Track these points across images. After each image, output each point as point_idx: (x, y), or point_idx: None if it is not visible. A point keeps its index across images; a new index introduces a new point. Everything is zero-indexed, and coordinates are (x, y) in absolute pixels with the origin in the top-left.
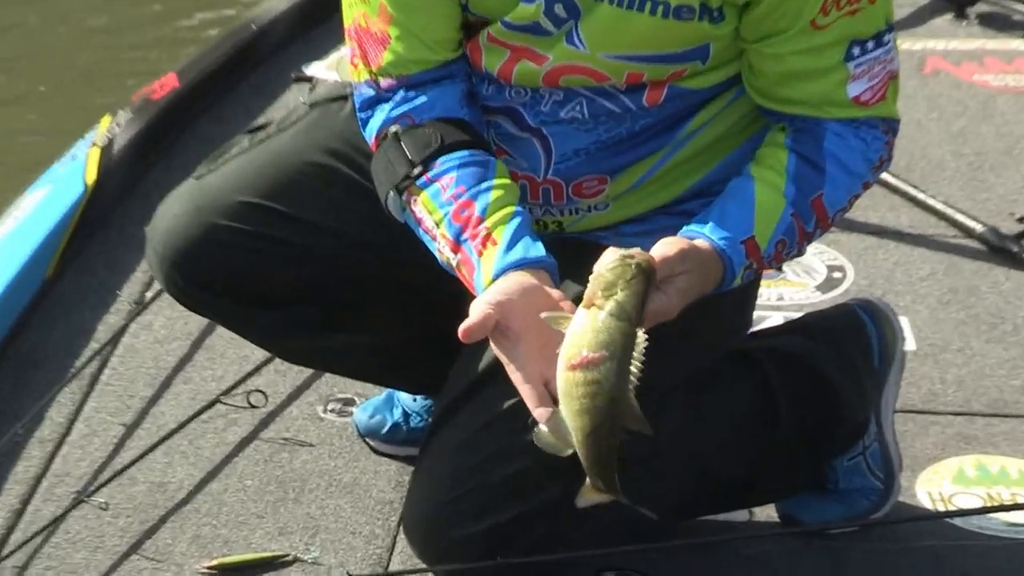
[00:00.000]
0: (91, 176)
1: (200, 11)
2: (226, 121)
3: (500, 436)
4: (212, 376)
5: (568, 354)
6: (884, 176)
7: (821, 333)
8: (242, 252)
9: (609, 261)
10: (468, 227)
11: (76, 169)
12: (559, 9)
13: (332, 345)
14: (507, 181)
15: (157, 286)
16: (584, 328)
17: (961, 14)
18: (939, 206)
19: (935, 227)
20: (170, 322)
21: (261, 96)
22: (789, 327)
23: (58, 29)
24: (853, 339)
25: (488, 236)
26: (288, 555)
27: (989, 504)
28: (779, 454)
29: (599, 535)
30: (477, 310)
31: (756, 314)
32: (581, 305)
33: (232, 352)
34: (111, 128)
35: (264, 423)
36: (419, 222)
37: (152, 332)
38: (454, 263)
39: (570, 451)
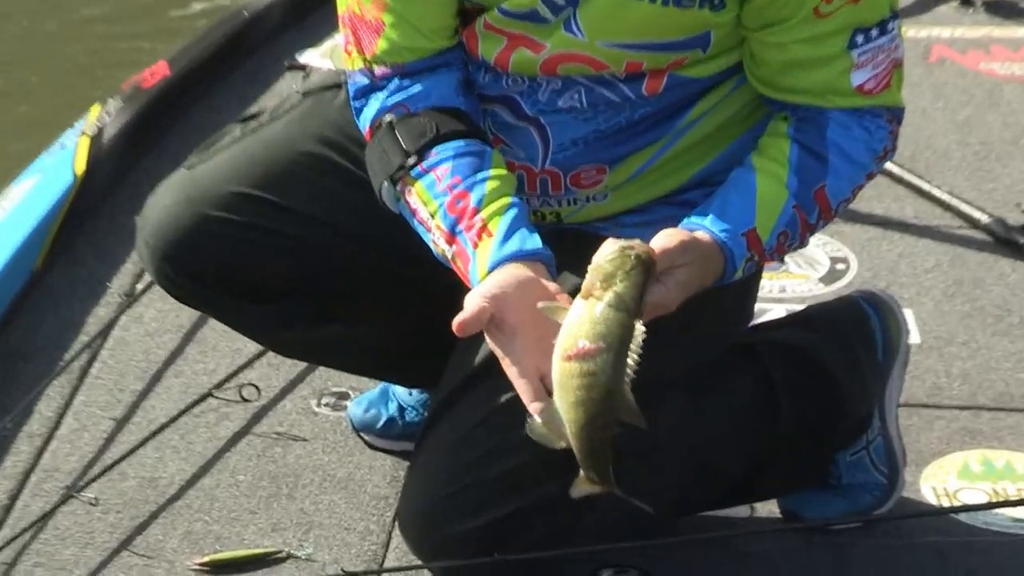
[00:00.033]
0: (80, 166)
1: (196, 0)
2: (218, 110)
3: (497, 431)
4: (204, 369)
5: (564, 345)
6: (888, 166)
7: (824, 326)
8: (234, 243)
9: (608, 252)
10: (463, 218)
11: (65, 158)
12: None
13: (326, 338)
14: (503, 171)
15: (148, 278)
16: (581, 319)
17: (967, 1)
18: (944, 196)
19: (940, 218)
20: (161, 314)
21: (254, 84)
22: (791, 320)
23: (50, 21)
24: (856, 332)
25: (484, 227)
26: (281, 551)
27: (995, 500)
28: (780, 448)
29: (597, 532)
30: (472, 303)
31: (757, 306)
32: (579, 296)
33: (224, 345)
34: (101, 117)
35: (257, 417)
36: (413, 213)
37: (143, 325)
38: (449, 255)
39: (563, 443)
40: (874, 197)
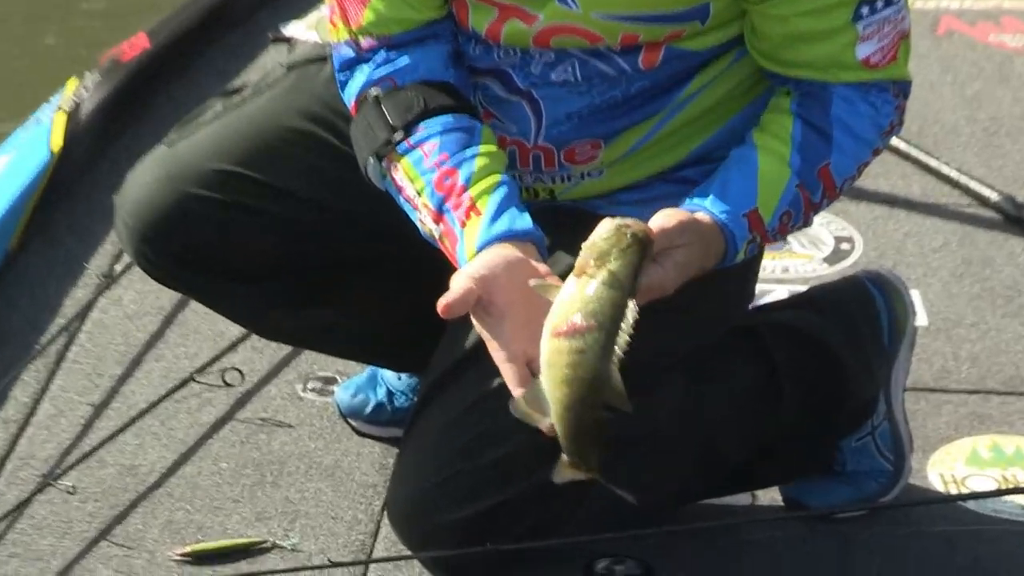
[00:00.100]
0: (57, 142)
1: None
2: (199, 84)
3: (489, 416)
4: (185, 353)
5: (554, 322)
6: (895, 142)
7: (828, 307)
8: (216, 222)
9: (604, 230)
10: (451, 196)
11: (41, 134)
12: None
13: (312, 320)
14: (493, 148)
15: (127, 258)
16: (573, 296)
17: None
18: (952, 174)
19: (948, 196)
20: (141, 296)
21: (237, 58)
22: (794, 301)
23: None
24: (861, 313)
25: (472, 206)
26: (266, 541)
27: (1004, 487)
28: (783, 433)
29: (593, 522)
30: (458, 284)
31: (759, 287)
32: (572, 274)
33: (206, 328)
34: (78, 92)
35: (240, 403)
36: (400, 190)
37: (122, 307)
38: (436, 234)
39: (547, 422)
40: (880, 174)
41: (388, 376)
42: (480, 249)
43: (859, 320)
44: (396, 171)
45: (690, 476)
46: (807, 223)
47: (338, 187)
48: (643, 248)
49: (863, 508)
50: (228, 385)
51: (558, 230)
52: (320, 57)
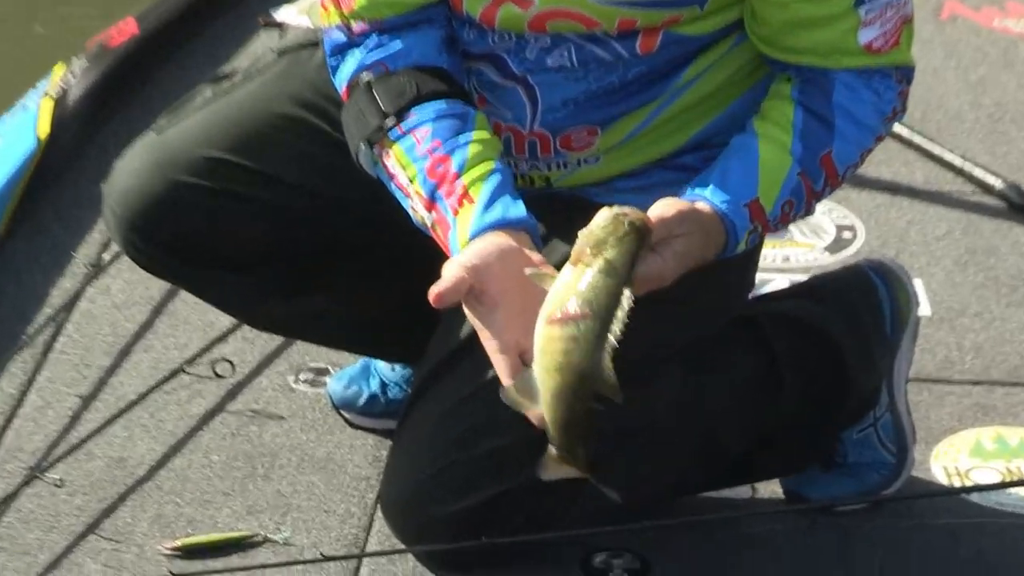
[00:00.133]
0: (44, 129)
1: None
2: (189, 70)
3: (485, 407)
4: (175, 344)
5: (549, 309)
6: (898, 129)
7: (829, 296)
8: (206, 210)
9: (601, 219)
10: (444, 184)
11: (27, 121)
12: None
13: (305, 310)
14: (487, 135)
15: (115, 247)
16: (568, 284)
17: None
18: (956, 161)
19: (952, 183)
20: (129, 286)
21: (227, 43)
22: (795, 290)
23: None
24: (863, 302)
25: (465, 194)
26: (257, 535)
27: (1008, 479)
28: (784, 423)
29: (590, 515)
30: (450, 273)
31: (760, 276)
32: (568, 262)
33: (196, 318)
34: (65, 77)
35: (231, 394)
36: (391, 177)
37: (110, 297)
38: (428, 222)
39: (536, 410)
40: (883, 161)
41: (382, 367)
42: (473, 237)
43: (861, 309)
44: (388, 158)
45: (689, 467)
46: (809, 212)
47: (329, 174)
48: (640, 237)
49: (865, 501)
50: (219, 376)
51: (554, 218)
52: (312, 42)
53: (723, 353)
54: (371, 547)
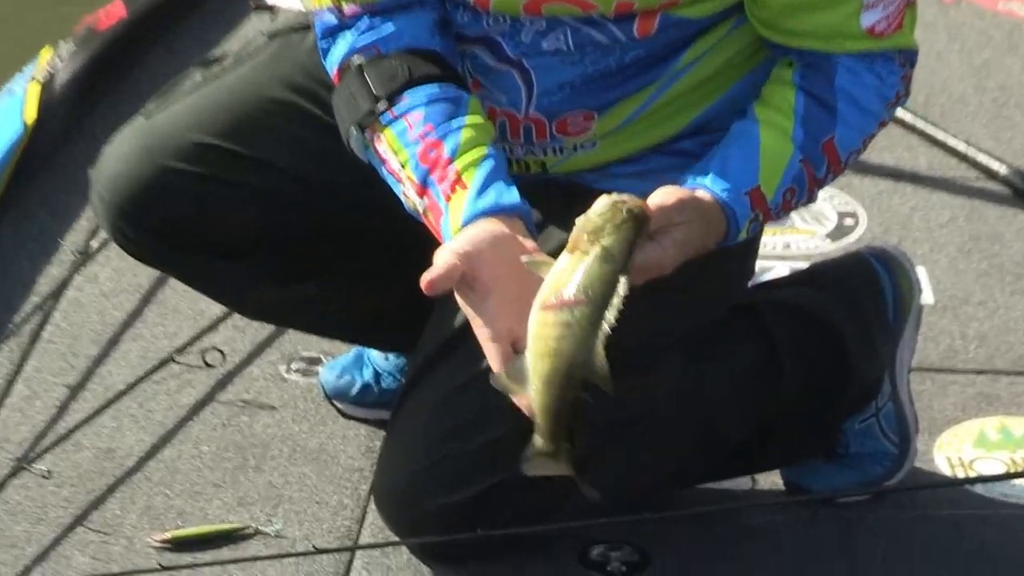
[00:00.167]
0: (31, 114)
1: None
2: (178, 54)
3: (479, 397)
4: (164, 333)
5: (544, 295)
6: (901, 114)
7: (830, 283)
8: (196, 197)
9: (599, 206)
10: (436, 169)
11: (14, 105)
12: None
13: (296, 298)
14: (480, 120)
15: (103, 234)
16: (564, 271)
17: None
18: (960, 146)
19: (955, 169)
20: (118, 274)
21: (217, 26)
22: (796, 278)
23: None
24: (865, 290)
25: (458, 179)
26: (248, 527)
27: (1012, 469)
28: (785, 412)
29: (588, 508)
30: (442, 259)
31: (760, 264)
32: (565, 249)
33: (186, 307)
34: (52, 61)
35: (221, 384)
36: (383, 162)
37: (98, 285)
38: (420, 208)
39: (525, 397)
40: (885, 147)
41: (375, 356)
42: (465, 224)
43: (863, 297)
44: (379, 142)
45: (689, 456)
46: (811, 199)
47: (320, 158)
48: (638, 224)
49: (867, 492)
50: (209, 366)
51: (550, 204)
52: (303, 25)
53: (723, 341)
54: (364, 539)
